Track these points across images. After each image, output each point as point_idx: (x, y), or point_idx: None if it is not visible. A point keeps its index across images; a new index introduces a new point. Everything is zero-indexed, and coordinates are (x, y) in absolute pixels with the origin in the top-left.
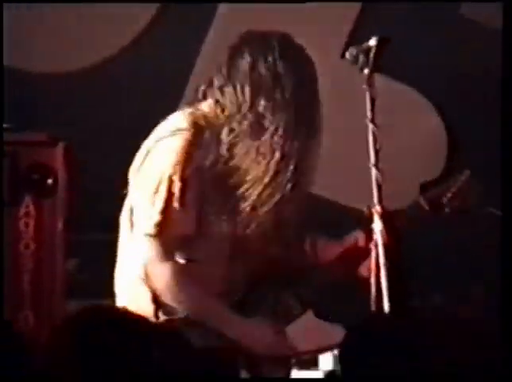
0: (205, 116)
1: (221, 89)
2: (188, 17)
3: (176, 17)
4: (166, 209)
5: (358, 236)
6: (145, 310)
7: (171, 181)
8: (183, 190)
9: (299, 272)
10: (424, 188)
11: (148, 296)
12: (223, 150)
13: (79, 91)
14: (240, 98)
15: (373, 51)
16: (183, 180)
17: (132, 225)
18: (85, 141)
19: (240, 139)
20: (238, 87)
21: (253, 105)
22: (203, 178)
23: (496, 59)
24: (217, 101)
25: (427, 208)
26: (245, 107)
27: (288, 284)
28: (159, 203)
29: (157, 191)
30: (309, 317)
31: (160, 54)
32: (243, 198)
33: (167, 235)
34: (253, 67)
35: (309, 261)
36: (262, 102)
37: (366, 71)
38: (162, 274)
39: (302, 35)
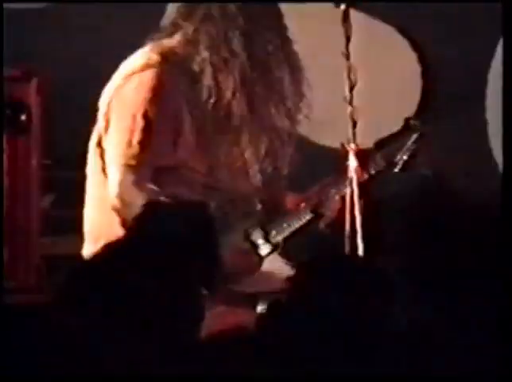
0: (174, 48)
1: (196, 24)
2: None
3: None
4: (141, 140)
5: (320, 186)
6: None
7: (145, 113)
8: (157, 122)
9: (269, 212)
10: (379, 145)
11: (120, 224)
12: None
13: (53, 26)
14: (214, 33)
15: None
16: (157, 112)
17: (101, 156)
18: (59, 76)
19: (212, 70)
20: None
21: (226, 39)
22: (178, 108)
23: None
24: (188, 36)
25: (384, 164)
26: (219, 41)
27: (257, 223)
28: (133, 134)
29: (131, 123)
30: (275, 258)
31: None
32: (220, 130)
33: (141, 165)
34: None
35: (281, 205)
36: (236, 40)
37: (342, 6)
38: (136, 204)
39: None
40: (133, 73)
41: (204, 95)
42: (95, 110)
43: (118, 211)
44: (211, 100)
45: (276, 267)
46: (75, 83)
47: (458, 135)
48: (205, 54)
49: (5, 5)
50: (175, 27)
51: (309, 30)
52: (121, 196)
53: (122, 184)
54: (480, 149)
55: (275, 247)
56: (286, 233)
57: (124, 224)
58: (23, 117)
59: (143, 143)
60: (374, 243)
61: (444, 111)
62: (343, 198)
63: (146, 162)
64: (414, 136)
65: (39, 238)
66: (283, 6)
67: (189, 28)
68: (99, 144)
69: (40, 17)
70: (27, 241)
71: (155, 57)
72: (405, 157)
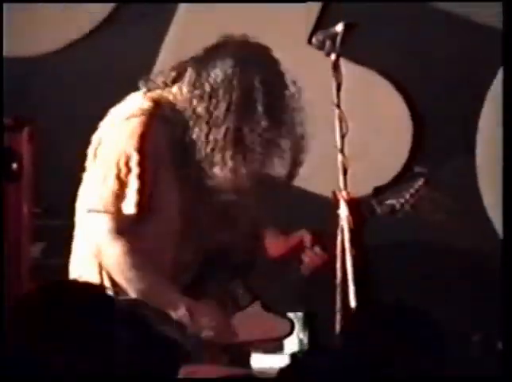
0: (163, 97)
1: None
2: (148, 14)
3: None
4: (119, 187)
5: (304, 236)
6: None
7: (126, 160)
8: (138, 169)
9: (249, 262)
10: (377, 191)
11: (99, 274)
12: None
13: (44, 76)
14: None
15: (339, 36)
16: (139, 161)
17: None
18: (50, 126)
19: (198, 122)
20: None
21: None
22: (159, 158)
23: (460, 42)
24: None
25: (379, 211)
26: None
27: (237, 274)
28: (112, 182)
29: (110, 170)
30: (256, 308)
31: (123, 42)
32: (197, 178)
33: (119, 213)
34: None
35: (259, 252)
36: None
37: (332, 56)
38: (114, 253)
39: (268, 21)
40: (122, 119)
41: (191, 148)
42: (86, 159)
43: (96, 257)
44: (199, 155)
45: (255, 315)
46: (66, 132)
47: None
48: (199, 108)
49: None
50: (168, 77)
51: (300, 79)
52: (97, 245)
53: (97, 232)
54: (471, 190)
55: (255, 298)
56: (265, 283)
57: (100, 271)
58: (14, 165)
59: (121, 192)
60: (365, 292)
61: (435, 159)
62: (324, 248)
63: (123, 211)
64: (419, 182)
65: (29, 287)
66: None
67: (185, 79)
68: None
69: (32, 66)
70: (17, 290)
71: (147, 104)
72: (407, 204)
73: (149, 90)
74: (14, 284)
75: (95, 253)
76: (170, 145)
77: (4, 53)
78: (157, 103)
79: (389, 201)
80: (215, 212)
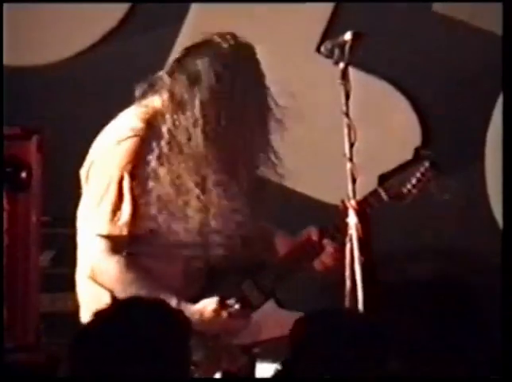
0: (157, 112)
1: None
2: (161, 14)
3: (148, 14)
4: (113, 209)
5: (311, 232)
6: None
7: (121, 181)
8: (131, 191)
9: (260, 262)
10: (382, 178)
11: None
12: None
13: (54, 85)
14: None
15: (348, 45)
16: (133, 180)
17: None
18: (59, 134)
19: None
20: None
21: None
22: (156, 177)
23: (469, 53)
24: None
25: (386, 198)
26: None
27: (248, 274)
28: (107, 202)
29: (105, 192)
30: (271, 306)
31: (133, 50)
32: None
33: (115, 235)
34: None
35: (269, 253)
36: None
37: (341, 65)
38: (109, 269)
39: (277, 29)
40: (114, 142)
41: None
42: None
43: (92, 279)
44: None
45: (270, 313)
46: (75, 141)
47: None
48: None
49: (5, 62)
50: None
51: (309, 87)
52: (93, 265)
53: (91, 252)
54: (479, 202)
55: (268, 296)
56: (278, 282)
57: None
58: (23, 174)
59: (115, 212)
60: (373, 298)
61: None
62: (333, 238)
63: (118, 231)
64: (425, 165)
65: (38, 295)
66: (281, 63)
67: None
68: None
69: (41, 74)
70: (26, 299)
71: (139, 124)
72: (414, 189)
73: (143, 97)
74: (23, 293)
75: (90, 274)
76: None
77: (13, 62)
78: (149, 123)
79: (396, 187)
80: (221, 218)
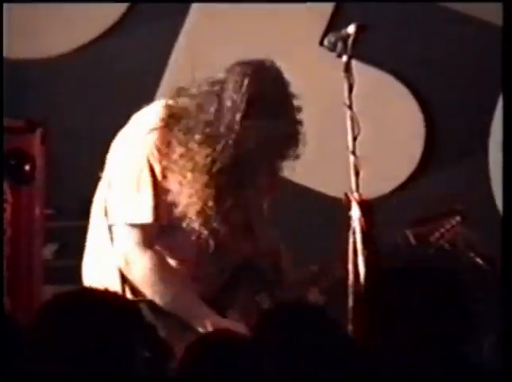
0: (182, 108)
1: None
2: (163, 9)
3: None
4: (146, 199)
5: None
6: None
7: (152, 172)
8: (162, 180)
9: (273, 272)
10: (414, 223)
11: (121, 285)
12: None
13: (57, 78)
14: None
15: (351, 38)
16: (162, 170)
17: (106, 214)
18: (64, 127)
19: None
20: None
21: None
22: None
23: (473, 44)
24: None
25: (413, 242)
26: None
27: (262, 284)
28: (139, 192)
29: (136, 181)
30: None
31: (137, 43)
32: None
33: (145, 225)
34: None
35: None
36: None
37: (344, 57)
38: (142, 265)
39: (280, 23)
40: (145, 131)
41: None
42: (100, 161)
43: (121, 270)
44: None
45: None
46: (80, 133)
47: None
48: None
49: (10, 55)
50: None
51: (312, 80)
52: (125, 256)
53: (125, 244)
54: (483, 196)
55: None
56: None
57: (123, 282)
58: (27, 167)
59: (148, 202)
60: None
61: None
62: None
63: (151, 222)
64: (456, 219)
65: (41, 288)
66: (285, 59)
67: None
68: (106, 200)
69: (45, 67)
70: (29, 291)
71: (166, 116)
72: (441, 239)
73: (172, 98)
74: (26, 285)
75: (122, 266)
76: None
77: (17, 55)
78: (176, 114)
79: (424, 234)
80: (236, 223)
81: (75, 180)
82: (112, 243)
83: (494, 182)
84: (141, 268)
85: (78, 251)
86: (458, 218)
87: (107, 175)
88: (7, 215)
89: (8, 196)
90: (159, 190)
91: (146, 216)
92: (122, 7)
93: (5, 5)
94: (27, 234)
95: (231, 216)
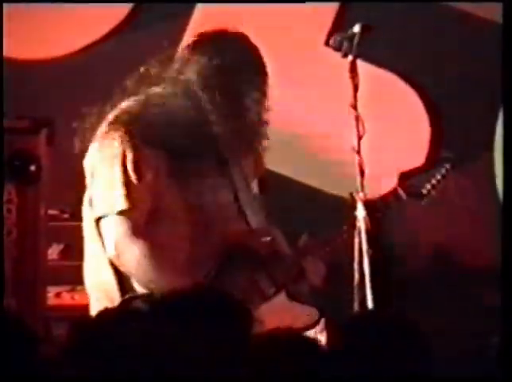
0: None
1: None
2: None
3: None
4: (128, 185)
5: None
6: (112, 294)
7: (124, 159)
8: (139, 166)
9: (272, 253)
10: (403, 177)
11: (114, 280)
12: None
13: (62, 78)
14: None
15: (356, 38)
16: (137, 157)
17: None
18: (69, 127)
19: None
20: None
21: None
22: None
23: (478, 44)
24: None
25: (404, 197)
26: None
27: (261, 265)
28: (119, 181)
29: (115, 172)
30: (281, 298)
31: (141, 44)
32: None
33: (132, 210)
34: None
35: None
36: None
37: (349, 57)
38: (133, 254)
39: (286, 23)
40: (116, 123)
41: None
42: None
43: (113, 263)
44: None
45: (280, 305)
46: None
47: (466, 184)
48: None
49: (13, 55)
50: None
51: (316, 79)
52: (115, 248)
53: (114, 235)
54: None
55: (279, 288)
56: (290, 275)
57: (119, 276)
58: (32, 167)
59: (129, 188)
60: (383, 293)
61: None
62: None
63: (136, 207)
64: (446, 167)
65: (46, 288)
66: (290, 53)
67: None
68: (90, 200)
69: (50, 67)
70: (34, 291)
71: (136, 109)
72: (433, 190)
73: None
74: (32, 285)
75: (113, 258)
76: (164, 143)
77: (21, 55)
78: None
79: (415, 187)
80: (224, 206)
81: (80, 180)
82: (100, 237)
83: (500, 182)
84: (132, 257)
85: (83, 251)
86: (448, 166)
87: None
88: (12, 215)
89: (13, 196)
90: (134, 177)
91: (123, 204)
92: (126, 7)
93: (5, 5)
94: (32, 234)
95: (219, 195)
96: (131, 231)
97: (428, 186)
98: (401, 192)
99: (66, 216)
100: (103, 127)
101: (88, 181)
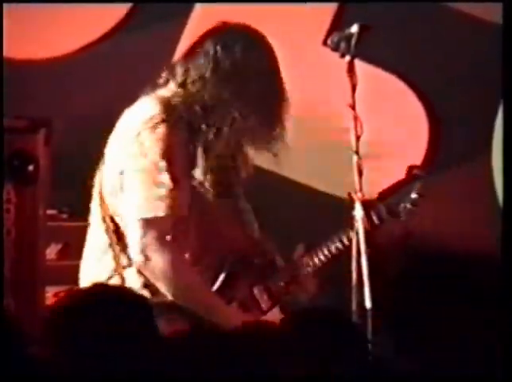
0: (171, 97)
1: (185, 72)
2: (166, 10)
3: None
4: (161, 192)
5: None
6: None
7: (155, 168)
8: (176, 173)
9: (269, 266)
10: (381, 195)
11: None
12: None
13: (61, 78)
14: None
15: (354, 38)
16: (175, 162)
17: (101, 206)
18: (67, 127)
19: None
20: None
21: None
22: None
23: (476, 43)
24: (181, 84)
25: (385, 215)
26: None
27: (260, 278)
28: (153, 186)
29: (150, 176)
30: (275, 313)
31: (140, 44)
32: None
33: (161, 218)
34: (215, 56)
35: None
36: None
37: (347, 57)
38: (158, 261)
39: (284, 23)
40: (143, 129)
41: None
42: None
43: (139, 269)
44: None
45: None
46: (83, 133)
47: (464, 184)
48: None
49: (13, 56)
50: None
51: (314, 80)
52: (144, 253)
53: (143, 240)
54: (486, 199)
55: (275, 302)
56: (286, 289)
57: (146, 284)
58: (30, 167)
59: (163, 195)
60: (380, 295)
61: (450, 161)
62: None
63: (167, 214)
64: (417, 185)
65: (45, 288)
66: (288, 55)
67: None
68: (101, 194)
69: (49, 67)
70: (33, 291)
71: (162, 109)
72: (408, 206)
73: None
74: (30, 285)
75: (140, 262)
76: (187, 149)
77: (20, 55)
78: (171, 107)
79: (393, 205)
80: (226, 215)
81: (78, 180)
82: (116, 243)
83: (498, 182)
84: (161, 263)
85: (82, 251)
86: (419, 184)
87: (108, 170)
88: (11, 215)
89: (12, 196)
90: (178, 180)
91: (161, 209)
92: (124, 8)
93: (5, 5)
94: (31, 234)
95: (221, 200)
96: (158, 237)
97: (403, 205)
98: (382, 209)
99: (64, 216)
100: (140, 122)
101: (111, 168)
